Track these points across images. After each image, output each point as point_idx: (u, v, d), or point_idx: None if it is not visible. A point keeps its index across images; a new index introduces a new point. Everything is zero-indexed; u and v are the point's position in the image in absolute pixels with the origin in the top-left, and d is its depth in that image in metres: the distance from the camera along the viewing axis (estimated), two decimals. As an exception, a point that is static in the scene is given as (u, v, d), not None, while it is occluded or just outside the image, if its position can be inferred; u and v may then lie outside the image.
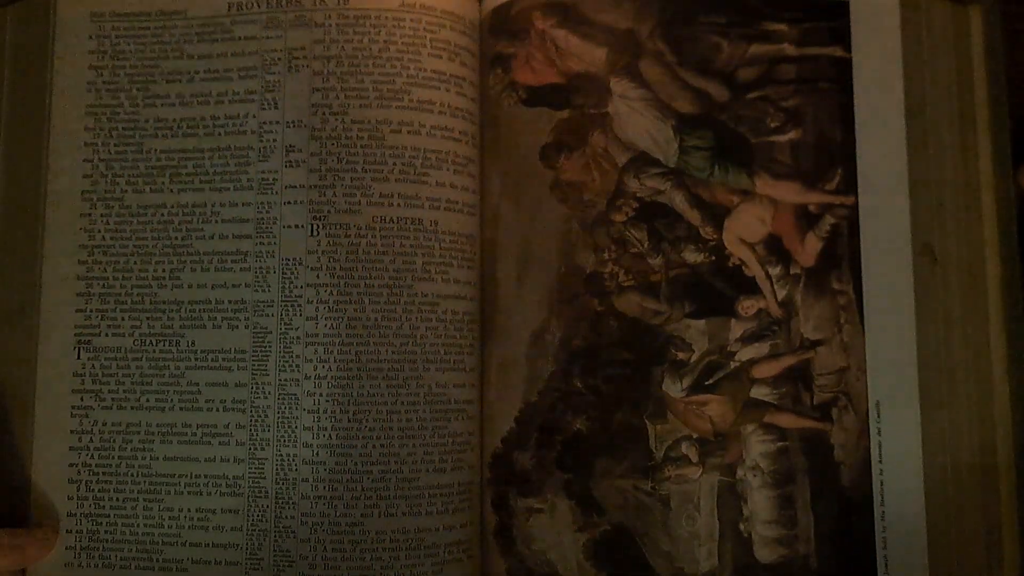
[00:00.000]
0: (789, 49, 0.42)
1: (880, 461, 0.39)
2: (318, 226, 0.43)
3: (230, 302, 0.43)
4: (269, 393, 0.42)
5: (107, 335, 0.44)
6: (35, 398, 0.44)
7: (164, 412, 0.43)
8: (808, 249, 0.41)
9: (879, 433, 0.40)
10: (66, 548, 0.43)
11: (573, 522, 0.42)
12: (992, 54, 0.41)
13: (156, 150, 0.45)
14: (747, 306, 0.42)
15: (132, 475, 0.43)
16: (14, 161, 0.45)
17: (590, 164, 0.44)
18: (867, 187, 0.41)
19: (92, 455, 0.43)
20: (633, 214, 0.43)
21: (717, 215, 0.42)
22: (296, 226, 0.43)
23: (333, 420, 0.42)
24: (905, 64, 0.41)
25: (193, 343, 0.43)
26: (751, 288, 0.42)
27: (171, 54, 0.45)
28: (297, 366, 0.42)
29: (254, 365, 0.43)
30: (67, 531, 0.43)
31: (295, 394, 0.42)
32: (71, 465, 0.43)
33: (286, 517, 0.42)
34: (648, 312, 0.42)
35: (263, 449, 0.42)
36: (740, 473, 0.41)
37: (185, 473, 0.43)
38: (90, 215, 0.45)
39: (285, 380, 0.42)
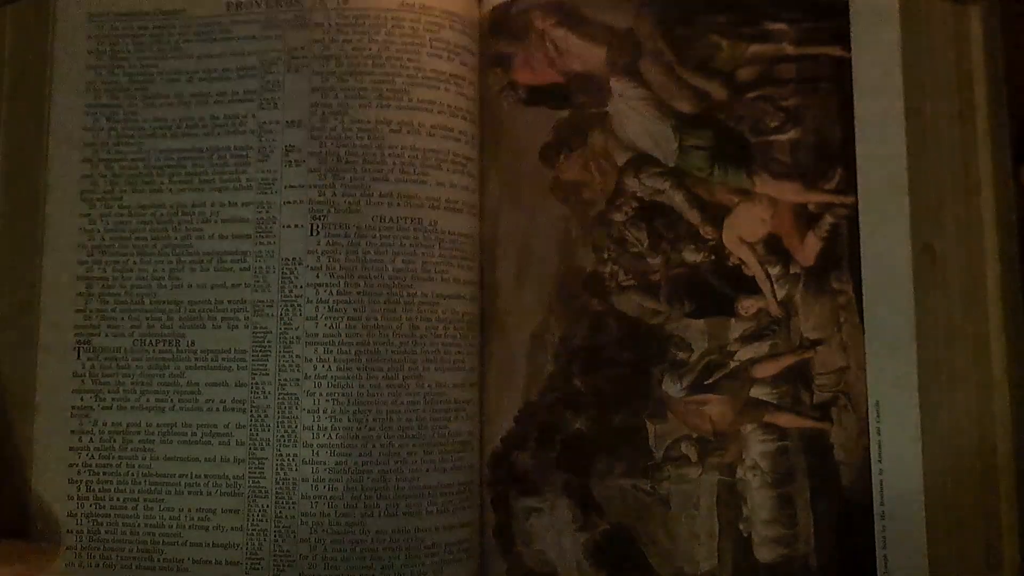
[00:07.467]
0: (789, 49, 0.42)
1: (880, 461, 0.39)
2: (318, 226, 0.43)
3: (230, 302, 0.43)
4: (269, 393, 0.42)
5: (107, 335, 0.44)
6: (35, 398, 0.44)
7: (164, 412, 0.43)
8: (808, 248, 0.41)
9: (879, 433, 0.40)
10: (67, 548, 0.43)
11: (573, 522, 0.42)
12: (992, 54, 0.41)
13: (155, 150, 0.45)
14: (747, 306, 0.42)
15: (132, 475, 0.43)
16: (14, 161, 0.45)
17: (590, 164, 0.44)
18: (867, 187, 0.41)
19: (92, 455, 0.43)
20: (633, 214, 0.43)
21: (717, 215, 0.42)
22: (296, 226, 0.43)
23: (333, 420, 0.42)
24: (905, 64, 0.41)
25: (193, 343, 0.43)
26: (751, 288, 0.42)
27: (170, 54, 0.45)
28: (297, 366, 0.42)
29: (254, 365, 0.43)
30: (67, 531, 0.43)
31: (295, 394, 0.42)
32: (71, 465, 0.43)
33: (286, 517, 0.42)
34: (648, 312, 0.42)
35: (263, 449, 0.42)
36: (740, 473, 0.41)
37: (185, 473, 0.43)
38: (90, 215, 0.45)
39: (285, 380, 0.42)
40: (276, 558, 0.42)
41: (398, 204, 0.43)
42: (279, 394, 0.42)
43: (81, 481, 0.43)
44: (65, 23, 0.46)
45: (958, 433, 0.39)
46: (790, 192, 0.42)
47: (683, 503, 0.41)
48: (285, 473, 0.42)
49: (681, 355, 0.42)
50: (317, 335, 0.42)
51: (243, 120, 0.44)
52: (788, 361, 0.41)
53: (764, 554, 0.40)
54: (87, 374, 0.44)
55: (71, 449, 0.44)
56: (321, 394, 0.42)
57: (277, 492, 0.42)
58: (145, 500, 0.43)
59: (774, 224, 0.42)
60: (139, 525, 0.43)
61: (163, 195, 0.44)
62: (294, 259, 0.43)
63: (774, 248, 0.42)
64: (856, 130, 0.41)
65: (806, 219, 0.41)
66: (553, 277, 0.43)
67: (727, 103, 0.42)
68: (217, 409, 0.43)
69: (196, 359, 0.43)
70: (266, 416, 0.42)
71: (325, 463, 0.42)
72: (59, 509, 0.43)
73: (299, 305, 0.43)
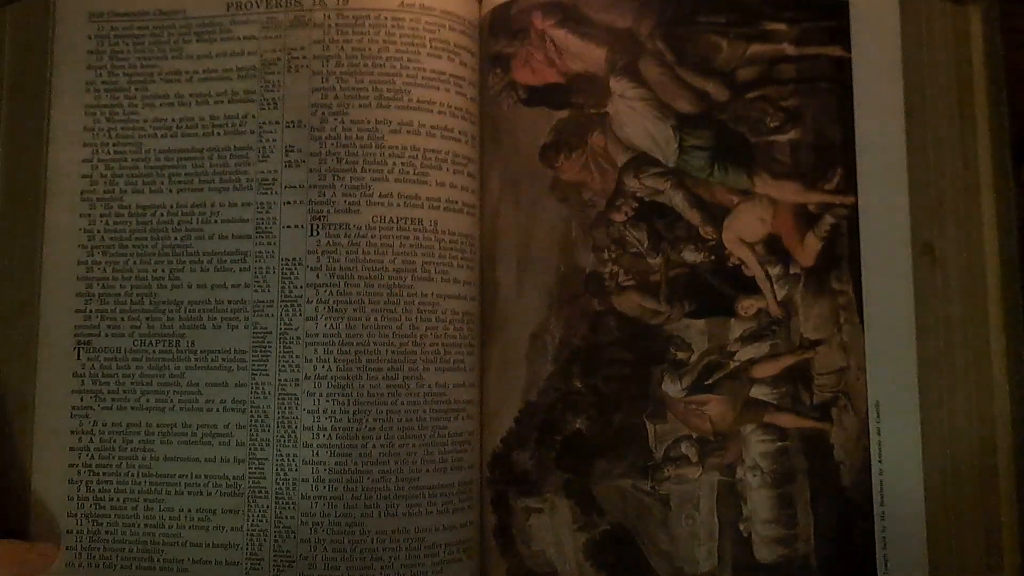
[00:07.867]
0: (789, 49, 0.42)
1: (880, 461, 0.39)
2: (318, 226, 0.43)
3: (230, 302, 0.43)
4: (269, 393, 0.42)
5: (107, 335, 0.44)
6: (35, 398, 0.44)
7: (164, 412, 0.43)
8: (808, 249, 0.41)
9: (879, 433, 0.40)
10: (67, 548, 0.43)
11: (573, 522, 0.42)
12: (992, 54, 0.41)
13: (155, 150, 0.45)
14: (747, 306, 0.42)
15: (132, 475, 0.43)
16: (13, 161, 0.45)
17: (590, 164, 0.44)
18: (867, 187, 0.41)
19: (92, 455, 0.43)
20: (633, 214, 0.43)
21: (717, 215, 0.42)
22: (296, 226, 0.43)
23: (333, 420, 0.42)
24: (905, 64, 0.41)
25: (193, 343, 0.43)
26: (751, 288, 0.42)
27: (170, 54, 0.45)
28: (297, 366, 0.42)
29: (254, 365, 0.43)
30: (67, 531, 0.43)
31: (295, 394, 0.42)
32: (71, 465, 0.43)
33: (286, 517, 0.42)
34: (648, 312, 0.42)
35: (263, 449, 0.42)
36: (740, 473, 0.41)
37: (185, 473, 0.43)
38: (90, 215, 0.45)
39: (285, 380, 0.42)
40: (276, 558, 0.42)
41: (398, 204, 0.43)
42: (279, 394, 0.42)
43: (81, 481, 0.43)
44: (65, 23, 0.46)
45: (958, 433, 0.39)
46: (790, 192, 0.42)
47: (683, 503, 0.41)
48: (285, 473, 0.42)
49: (681, 355, 0.42)
50: (317, 335, 0.42)
51: (243, 120, 0.44)
52: (788, 361, 0.41)
53: (764, 554, 0.40)
54: (87, 374, 0.44)
55: (71, 449, 0.44)
56: (321, 394, 0.42)
57: (277, 492, 0.42)
58: (145, 500, 0.43)
59: (774, 224, 0.42)
60: (139, 525, 0.43)
61: (163, 195, 0.44)
62: (294, 259, 0.43)
63: (774, 248, 0.42)
64: (856, 130, 0.41)
65: (806, 219, 0.41)
66: (553, 277, 0.43)
67: (727, 103, 0.42)
68: (217, 409, 0.43)
69: (196, 359, 0.43)
70: (266, 416, 0.42)
71: (325, 463, 0.42)
72: (59, 509, 0.43)
73: (299, 305, 0.43)
